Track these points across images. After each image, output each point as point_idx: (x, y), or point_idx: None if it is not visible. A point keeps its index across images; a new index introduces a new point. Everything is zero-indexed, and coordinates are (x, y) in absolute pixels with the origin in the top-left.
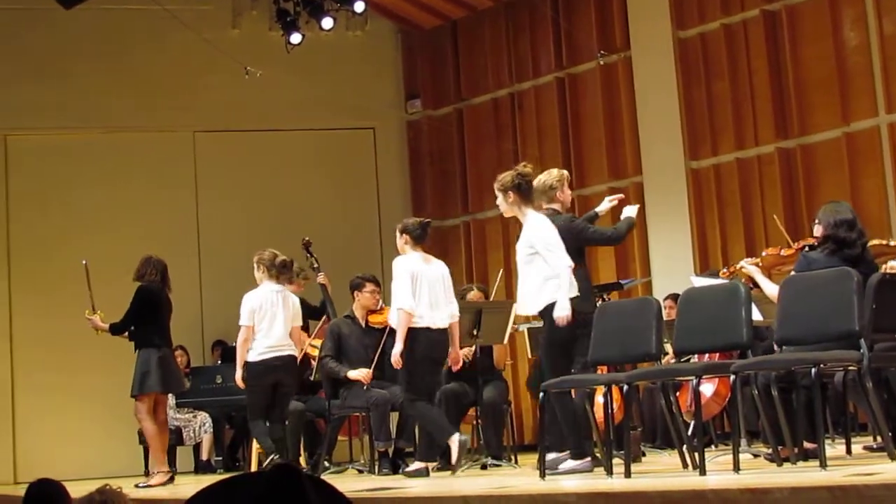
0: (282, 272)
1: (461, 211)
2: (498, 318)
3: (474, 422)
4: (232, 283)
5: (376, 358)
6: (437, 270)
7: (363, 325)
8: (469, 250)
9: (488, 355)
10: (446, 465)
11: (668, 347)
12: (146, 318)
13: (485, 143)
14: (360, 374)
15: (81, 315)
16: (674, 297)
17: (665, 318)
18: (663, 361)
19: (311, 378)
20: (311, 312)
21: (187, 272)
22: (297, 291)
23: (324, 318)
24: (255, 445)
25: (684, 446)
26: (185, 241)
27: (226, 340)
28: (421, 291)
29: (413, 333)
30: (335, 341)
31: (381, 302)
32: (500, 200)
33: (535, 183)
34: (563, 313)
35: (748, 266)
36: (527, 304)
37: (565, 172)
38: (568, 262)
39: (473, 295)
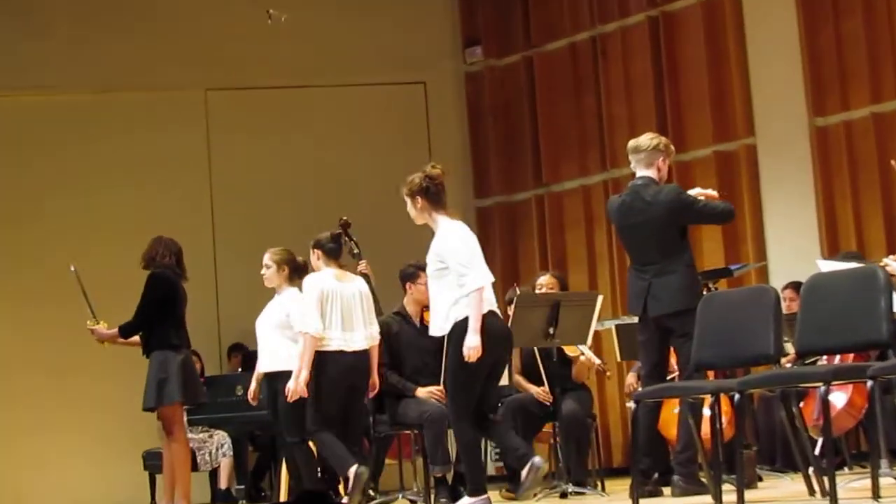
0: (301, 276)
1: (533, 182)
2: (579, 314)
3: (551, 440)
4: (253, 273)
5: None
6: (352, 288)
7: (418, 325)
8: (543, 230)
9: (567, 361)
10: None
11: (789, 347)
12: (161, 313)
13: (561, 98)
14: (430, 392)
15: (69, 325)
16: (795, 285)
17: (785, 312)
18: (783, 364)
19: None
20: None
21: (200, 261)
22: None
23: None
24: (284, 471)
25: (810, 469)
26: (197, 222)
27: (246, 344)
28: (333, 312)
29: (322, 358)
30: (388, 345)
31: None
32: (409, 207)
33: (638, 142)
34: (472, 345)
35: (893, 263)
36: (437, 324)
37: (672, 146)
38: (483, 282)
39: (546, 282)
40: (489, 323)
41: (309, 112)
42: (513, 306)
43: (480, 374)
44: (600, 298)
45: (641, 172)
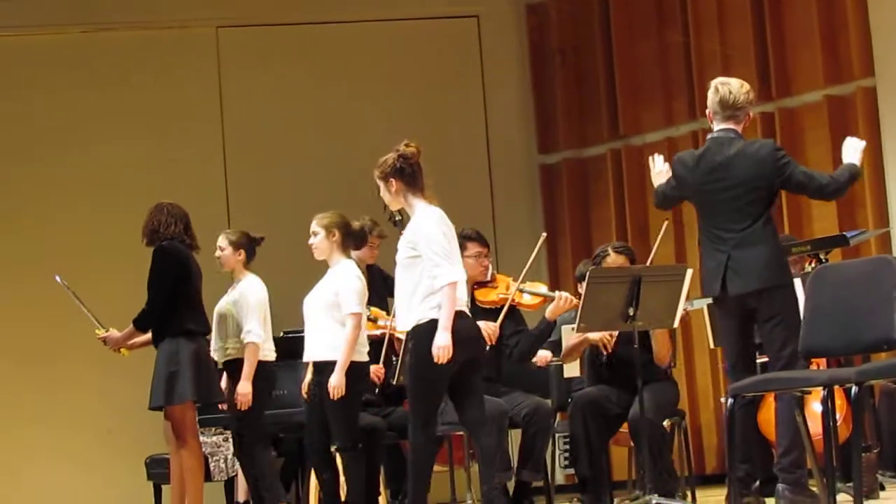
0: (358, 244)
1: (608, 134)
2: (665, 292)
3: (630, 443)
4: (276, 244)
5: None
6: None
7: (468, 306)
8: (620, 191)
9: (650, 347)
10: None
11: None
12: (173, 294)
13: (641, 33)
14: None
15: (55, 302)
16: None
17: None
18: None
19: (394, 382)
20: (390, 287)
21: (210, 230)
22: (370, 256)
23: None
24: (313, 480)
25: None
26: (207, 185)
27: None
28: (267, 319)
29: (262, 368)
30: None
31: (491, 270)
32: (382, 191)
33: (733, 94)
34: (442, 343)
35: None
36: (402, 318)
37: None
38: (457, 278)
39: (612, 261)
40: (459, 323)
41: (340, 54)
42: (584, 283)
43: (444, 381)
44: (689, 273)
45: (725, 125)
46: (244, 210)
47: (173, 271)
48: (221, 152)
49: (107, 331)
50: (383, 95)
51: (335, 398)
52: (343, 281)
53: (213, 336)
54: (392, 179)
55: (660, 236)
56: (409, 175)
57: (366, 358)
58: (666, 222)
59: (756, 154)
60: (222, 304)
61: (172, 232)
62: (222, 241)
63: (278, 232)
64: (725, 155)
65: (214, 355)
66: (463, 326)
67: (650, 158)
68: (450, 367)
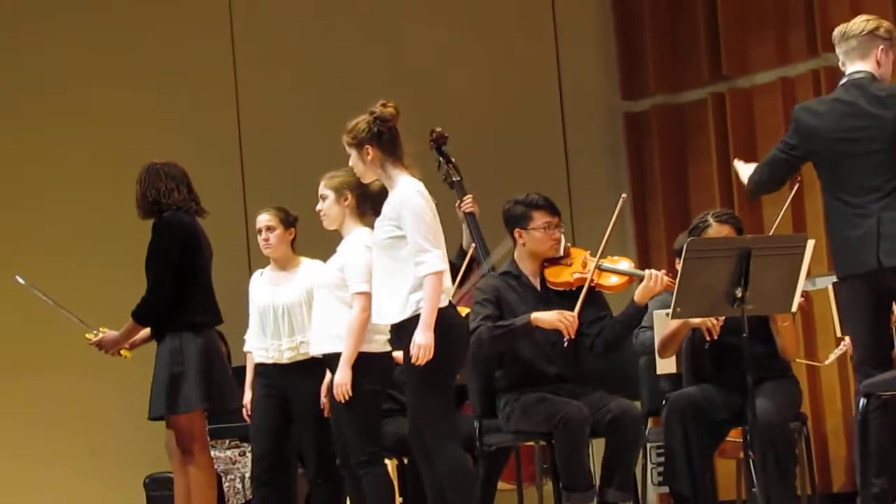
0: (378, 208)
1: (709, 75)
2: (780, 268)
3: (740, 454)
4: (302, 217)
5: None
6: None
7: (538, 287)
8: (723, 143)
9: (765, 335)
10: None
11: None
12: (179, 277)
13: None
14: (560, 316)
15: (35, 303)
16: None
17: None
18: None
19: None
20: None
21: (222, 202)
22: None
23: (472, 272)
24: None
25: None
26: (219, 134)
27: None
28: None
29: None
30: (495, 308)
31: (564, 243)
32: (353, 160)
33: (847, 25)
34: (424, 342)
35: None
36: (384, 310)
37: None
38: (444, 266)
39: (715, 232)
40: (454, 316)
41: None
42: (681, 259)
43: (452, 380)
44: (811, 244)
45: (854, 67)
46: (262, 177)
47: (179, 247)
48: (234, 104)
49: (97, 333)
50: (436, 32)
51: (341, 399)
52: (349, 254)
53: (268, 334)
54: (367, 146)
55: (787, 202)
56: (387, 141)
57: (383, 348)
58: (797, 185)
59: None
60: (288, 295)
61: (177, 199)
62: (271, 219)
63: (303, 207)
64: (865, 99)
65: (265, 355)
66: (460, 320)
67: (734, 164)
68: (455, 367)
